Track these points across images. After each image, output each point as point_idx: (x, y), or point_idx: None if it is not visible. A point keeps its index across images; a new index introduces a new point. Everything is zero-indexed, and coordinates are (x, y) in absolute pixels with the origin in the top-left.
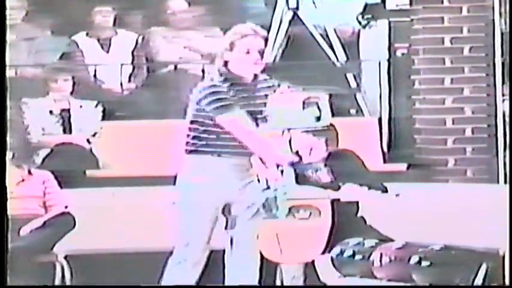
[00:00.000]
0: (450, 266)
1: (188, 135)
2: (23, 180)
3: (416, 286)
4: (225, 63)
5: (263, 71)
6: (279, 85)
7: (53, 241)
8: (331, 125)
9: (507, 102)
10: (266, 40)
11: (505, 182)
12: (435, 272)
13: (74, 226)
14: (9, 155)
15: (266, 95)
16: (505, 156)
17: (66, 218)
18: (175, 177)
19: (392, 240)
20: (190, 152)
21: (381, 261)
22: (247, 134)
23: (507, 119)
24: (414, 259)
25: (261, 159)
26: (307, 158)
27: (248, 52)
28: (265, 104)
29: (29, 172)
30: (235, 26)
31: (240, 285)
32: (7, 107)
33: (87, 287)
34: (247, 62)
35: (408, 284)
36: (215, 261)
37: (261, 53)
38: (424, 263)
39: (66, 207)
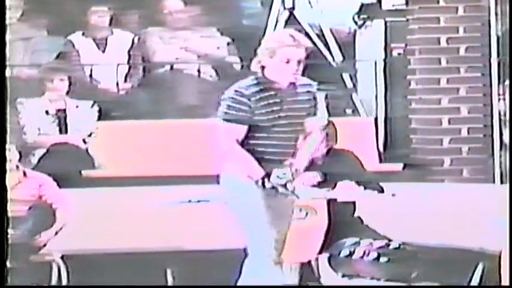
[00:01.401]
0: (446, 265)
1: None
2: (19, 182)
3: (416, 286)
4: (262, 68)
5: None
6: (318, 89)
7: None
8: (330, 121)
9: (503, 102)
10: (307, 50)
11: (501, 182)
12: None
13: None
14: (10, 156)
15: (306, 100)
16: (500, 156)
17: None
18: (217, 176)
19: (389, 240)
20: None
21: (362, 258)
22: (231, 144)
23: (506, 119)
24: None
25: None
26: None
27: (288, 62)
28: (301, 109)
29: (24, 174)
30: (277, 33)
31: (241, 285)
32: (7, 107)
33: (87, 287)
34: (286, 71)
35: (408, 284)
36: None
37: (301, 63)
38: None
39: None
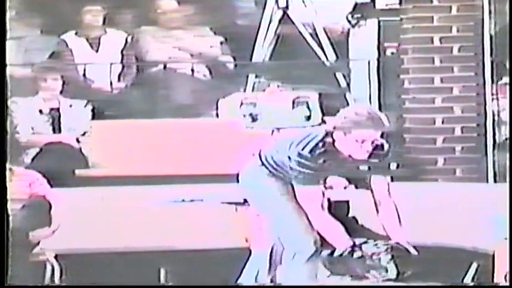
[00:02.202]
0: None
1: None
2: (9, 181)
3: (415, 286)
4: (333, 139)
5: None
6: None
7: (29, 229)
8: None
9: (496, 102)
10: (382, 134)
11: (495, 181)
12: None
13: (49, 213)
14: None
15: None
16: (494, 156)
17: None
18: (237, 176)
19: (384, 239)
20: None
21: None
22: (317, 211)
23: (500, 118)
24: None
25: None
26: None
27: (362, 142)
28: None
29: (15, 173)
30: (355, 110)
31: (240, 285)
32: (6, 107)
33: (86, 287)
34: (359, 149)
35: (407, 284)
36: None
37: (374, 142)
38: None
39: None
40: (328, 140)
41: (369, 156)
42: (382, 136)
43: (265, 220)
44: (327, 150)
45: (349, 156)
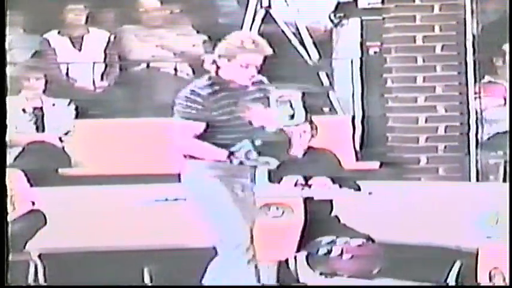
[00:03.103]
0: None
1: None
2: None
3: (414, 286)
4: (217, 68)
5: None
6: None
7: (25, 239)
8: (310, 119)
9: (479, 101)
10: (266, 56)
11: (477, 180)
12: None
13: (45, 223)
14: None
15: (258, 98)
16: (477, 154)
17: (35, 215)
18: (179, 175)
19: (372, 240)
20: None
21: (341, 257)
22: (193, 142)
23: (483, 117)
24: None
25: None
26: (297, 141)
27: (247, 67)
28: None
29: None
30: (237, 35)
31: (239, 285)
32: (6, 107)
33: (85, 287)
34: (243, 75)
35: (405, 284)
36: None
37: (258, 68)
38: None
39: (33, 203)
40: (213, 68)
41: (253, 84)
42: (264, 62)
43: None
44: (214, 83)
45: (233, 81)
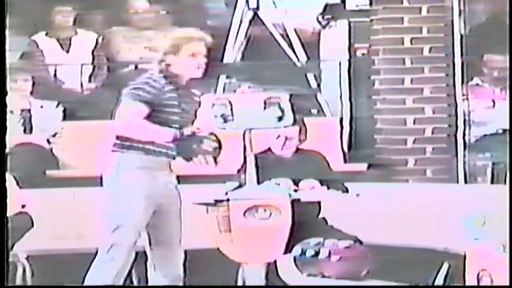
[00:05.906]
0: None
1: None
2: None
3: (411, 286)
4: (167, 66)
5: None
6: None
7: (12, 241)
8: (303, 122)
9: (467, 102)
10: (206, 44)
11: (465, 181)
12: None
13: (32, 226)
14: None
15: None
16: (464, 156)
17: (23, 217)
18: (101, 178)
19: (360, 241)
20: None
21: (329, 258)
22: (141, 122)
23: (471, 119)
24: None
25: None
26: (278, 150)
27: (193, 55)
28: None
29: None
30: (176, 31)
31: (237, 285)
32: (6, 107)
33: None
34: (192, 65)
35: (403, 284)
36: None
37: (204, 58)
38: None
39: (23, 206)
40: (163, 67)
41: (203, 75)
42: (209, 53)
43: None
44: (167, 76)
45: (183, 75)
